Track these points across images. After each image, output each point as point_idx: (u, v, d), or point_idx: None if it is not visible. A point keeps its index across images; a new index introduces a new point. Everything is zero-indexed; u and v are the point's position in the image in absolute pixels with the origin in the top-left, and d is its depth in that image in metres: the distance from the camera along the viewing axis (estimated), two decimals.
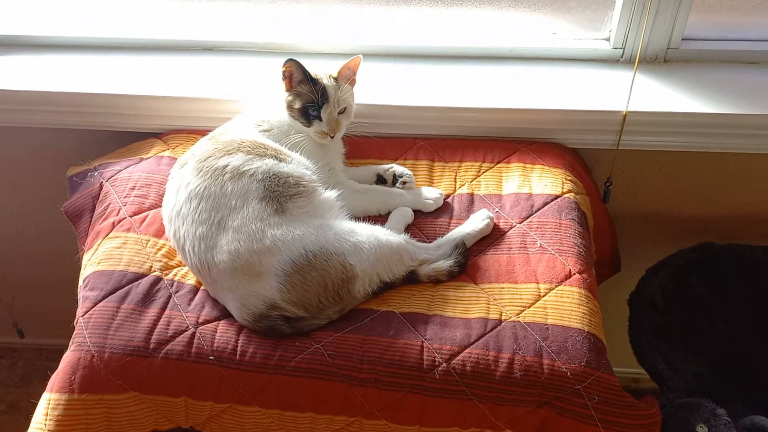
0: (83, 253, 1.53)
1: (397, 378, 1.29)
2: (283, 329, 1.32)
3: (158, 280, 1.42)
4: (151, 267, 1.44)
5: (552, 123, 1.68)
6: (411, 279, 1.42)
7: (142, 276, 1.42)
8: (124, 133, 1.77)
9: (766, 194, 1.85)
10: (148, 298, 1.39)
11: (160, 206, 1.52)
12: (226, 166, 1.39)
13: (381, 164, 1.63)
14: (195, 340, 1.33)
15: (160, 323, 1.35)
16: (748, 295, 1.72)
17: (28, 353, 2.38)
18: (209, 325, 1.36)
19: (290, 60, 1.48)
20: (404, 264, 1.40)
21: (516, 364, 1.28)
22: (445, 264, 1.43)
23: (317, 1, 1.80)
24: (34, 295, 2.20)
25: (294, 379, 1.30)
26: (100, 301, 1.38)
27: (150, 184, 1.58)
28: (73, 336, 1.36)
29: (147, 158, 1.65)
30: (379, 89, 1.69)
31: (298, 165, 1.46)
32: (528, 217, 1.52)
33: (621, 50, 1.75)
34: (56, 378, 1.32)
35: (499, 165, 1.64)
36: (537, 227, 1.50)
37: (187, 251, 1.38)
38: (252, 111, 1.60)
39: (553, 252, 1.44)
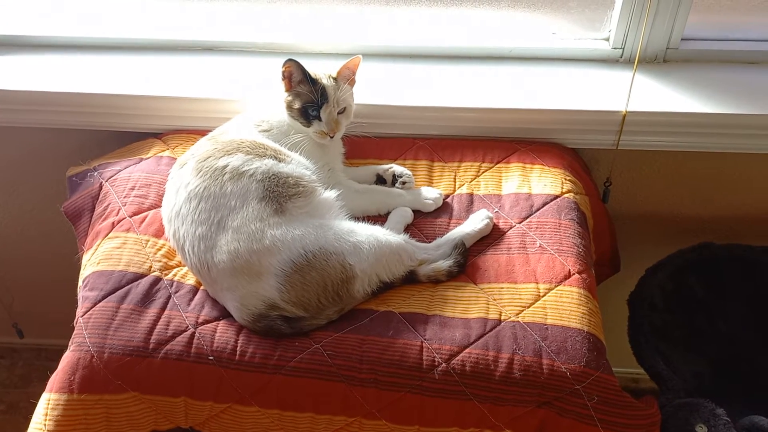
0: (83, 253, 1.53)
1: (396, 378, 1.29)
2: (283, 329, 1.32)
3: (158, 280, 1.42)
4: (150, 267, 1.44)
5: (551, 123, 1.68)
6: (410, 279, 1.42)
7: (142, 276, 1.42)
8: (124, 133, 1.77)
9: (766, 194, 1.85)
10: (147, 298, 1.39)
11: (160, 206, 1.52)
12: (225, 167, 1.39)
13: (380, 164, 1.63)
14: (194, 340, 1.33)
15: (159, 323, 1.35)
16: (748, 295, 1.72)
17: (28, 353, 2.38)
18: (209, 325, 1.36)
19: (290, 60, 1.48)
20: (403, 264, 1.40)
21: (515, 364, 1.28)
22: (445, 264, 1.43)
23: (317, 1, 1.80)
24: (34, 295, 2.20)
25: (293, 379, 1.30)
26: (99, 301, 1.38)
27: (150, 185, 1.58)
28: (72, 336, 1.36)
29: (147, 158, 1.65)
30: (378, 89, 1.69)
31: (298, 165, 1.46)
32: (527, 217, 1.52)
33: (620, 50, 1.75)
34: (56, 378, 1.32)
35: (498, 165, 1.64)
36: (536, 227, 1.50)
37: (186, 251, 1.39)
38: (251, 111, 1.60)
39: (552, 252, 1.44)
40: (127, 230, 1.50)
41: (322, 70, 1.53)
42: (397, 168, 1.60)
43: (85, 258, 1.50)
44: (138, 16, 1.83)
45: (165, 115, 1.72)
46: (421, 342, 1.32)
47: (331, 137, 1.52)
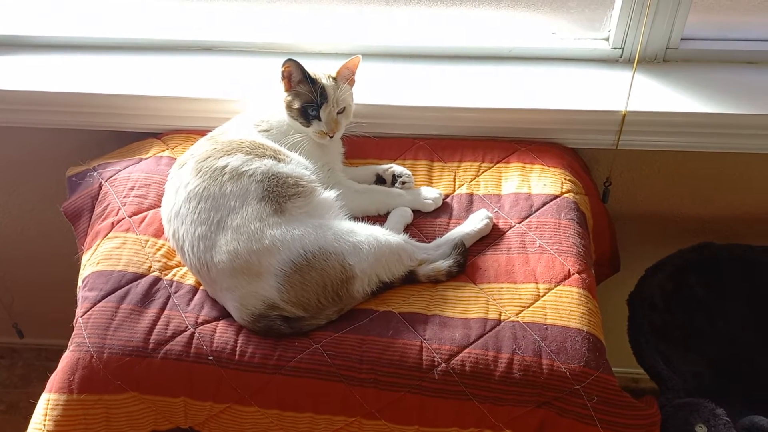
0: (82, 253, 1.53)
1: (396, 378, 1.29)
2: (282, 329, 1.32)
3: (157, 280, 1.42)
4: (150, 267, 1.44)
5: (551, 123, 1.68)
6: (410, 279, 1.42)
7: (141, 276, 1.42)
8: (124, 133, 1.77)
9: (766, 194, 1.85)
10: (147, 298, 1.39)
11: (159, 206, 1.52)
12: (225, 167, 1.39)
13: (380, 164, 1.63)
14: (194, 341, 1.33)
15: (159, 323, 1.35)
16: (748, 295, 1.72)
17: (28, 353, 2.38)
18: (208, 325, 1.36)
19: (289, 60, 1.48)
20: (403, 264, 1.40)
21: (515, 364, 1.28)
22: (444, 264, 1.43)
23: (316, 1, 1.80)
24: (34, 295, 2.20)
25: (293, 379, 1.30)
26: (99, 301, 1.38)
27: (149, 185, 1.58)
28: (72, 336, 1.36)
29: (146, 158, 1.65)
30: (378, 89, 1.69)
31: (297, 165, 1.46)
32: (527, 217, 1.52)
33: (620, 50, 1.75)
34: (55, 378, 1.32)
35: (498, 165, 1.64)
36: (536, 227, 1.49)
37: (186, 251, 1.38)
38: (251, 111, 1.60)
39: (552, 252, 1.44)
40: (127, 230, 1.50)
41: (322, 70, 1.53)
42: (396, 168, 1.60)
43: (85, 258, 1.50)
44: (138, 16, 1.83)
45: (164, 115, 1.72)
46: (421, 342, 1.31)
47: (331, 137, 1.52)
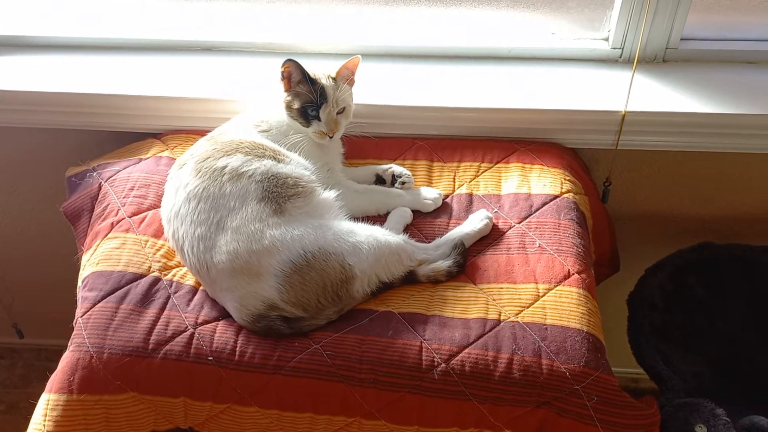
0: (82, 254, 1.53)
1: (395, 378, 1.29)
2: (282, 329, 1.32)
3: (157, 280, 1.42)
4: (150, 267, 1.44)
5: (551, 123, 1.68)
6: (410, 279, 1.42)
7: (141, 276, 1.42)
8: (123, 133, 1.77)
9: (766, 194, 1.85)
10: (147, 298, 1.39)
11: (159, 207, 1.52)
12: (224, 167, 1.39)
13: (380, 164, 1.63)
14: (194, 341, 1.33)
15: (159, 324, 1.35)
16: (748, 295, 1.72)
17: (28, 353, 2.38)
18: (208, 325, 1.36)
19: (289, 60, 1.48)
20: (403, 264, 1.40)
21: (515, 364, 1.28)
22: (444, 264, 1.43)
23: (316, 2, 1.80)
24: (34, 295, 2.20)
25: (293, 379, 1.30)
26: (99, 301, 1.38)
27: (149, 185, 1.58)
28: (72, 336, 1.36)
29: (146, 159, 1.65)
30: (377, 89, 1.69)
31: (297, 165, 1.46)
32: (527, 217, 1.52)
33: (620, 50, 1.74)
34: (55, 378, 1.32)
35: (498, 165, 1.64)
36: (536, 227, 1.49)
37: (185, 252, 1.38)
38: (251, 111, 1.60)
39: (551, 252, 1.44)
40: (127, 230, 1.50)
41: (322, 70, 1.53)
42: (396, 168, 1.60)
43: (85, 258, 1.50)
44: (138, 16, 1.83)
45: (164, 116, 1.72)
46: (421, 342, 1.31)
47: (331, 137, 1.52)
